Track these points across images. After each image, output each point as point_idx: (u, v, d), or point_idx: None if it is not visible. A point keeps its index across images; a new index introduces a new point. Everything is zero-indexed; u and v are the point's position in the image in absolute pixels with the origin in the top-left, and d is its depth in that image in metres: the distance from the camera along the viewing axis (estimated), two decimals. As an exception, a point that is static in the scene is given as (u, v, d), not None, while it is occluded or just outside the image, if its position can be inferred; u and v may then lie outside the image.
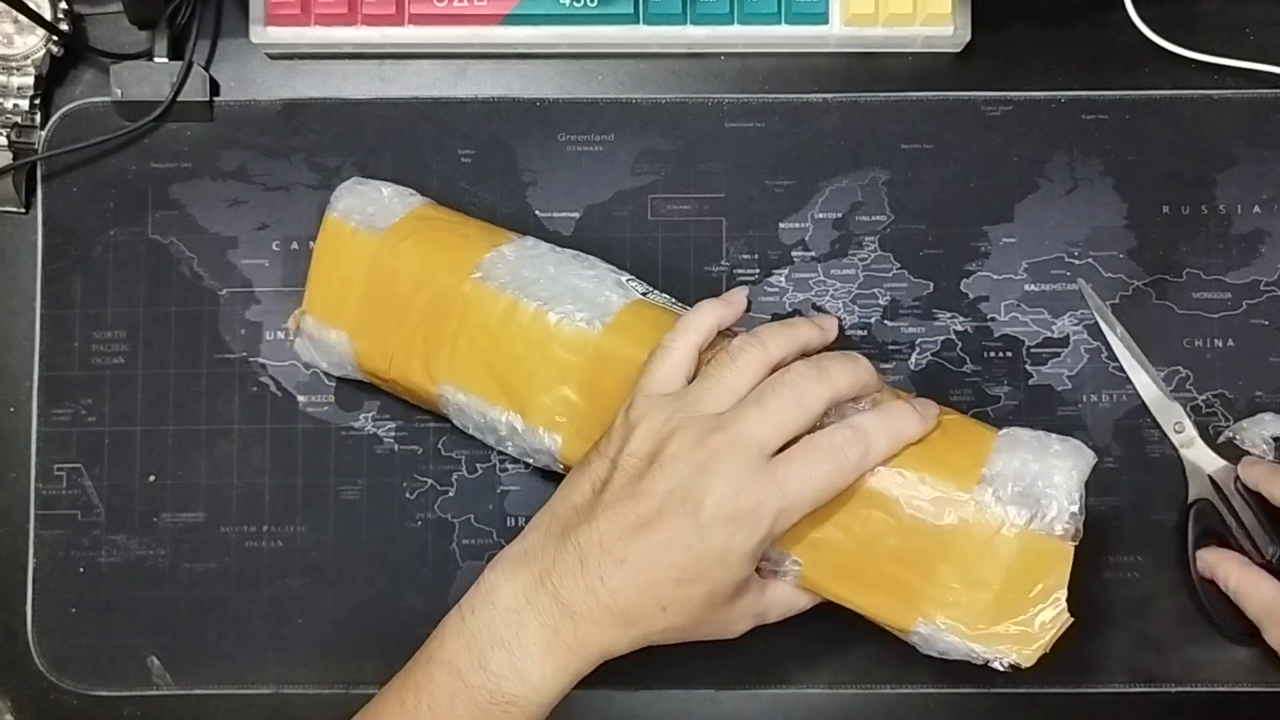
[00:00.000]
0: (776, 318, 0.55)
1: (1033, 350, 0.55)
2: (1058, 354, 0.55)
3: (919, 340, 0.55)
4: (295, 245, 0.56)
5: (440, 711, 0.42)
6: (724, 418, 0.42)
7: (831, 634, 0.54)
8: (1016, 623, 0.44)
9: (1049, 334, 0.55)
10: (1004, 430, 0.47)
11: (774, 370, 0.44)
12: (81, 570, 0.55)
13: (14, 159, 0.55)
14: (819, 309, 0.55)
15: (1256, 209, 0.56)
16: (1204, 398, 0.55)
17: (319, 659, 0.54)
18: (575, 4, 0.55)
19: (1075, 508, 0.44)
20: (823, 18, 0.55)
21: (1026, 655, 0.43)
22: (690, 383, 0.45)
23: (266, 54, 0.57)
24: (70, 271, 0.56)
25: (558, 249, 0.51)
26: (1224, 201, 0.56)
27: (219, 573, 0.55)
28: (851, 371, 0.44)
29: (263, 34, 0.56)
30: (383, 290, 0.50)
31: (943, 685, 0.54)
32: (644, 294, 0.50)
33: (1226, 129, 0.56)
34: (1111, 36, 0.56)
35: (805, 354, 0.46)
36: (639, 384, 0.45)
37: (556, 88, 0.57)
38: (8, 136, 0.55)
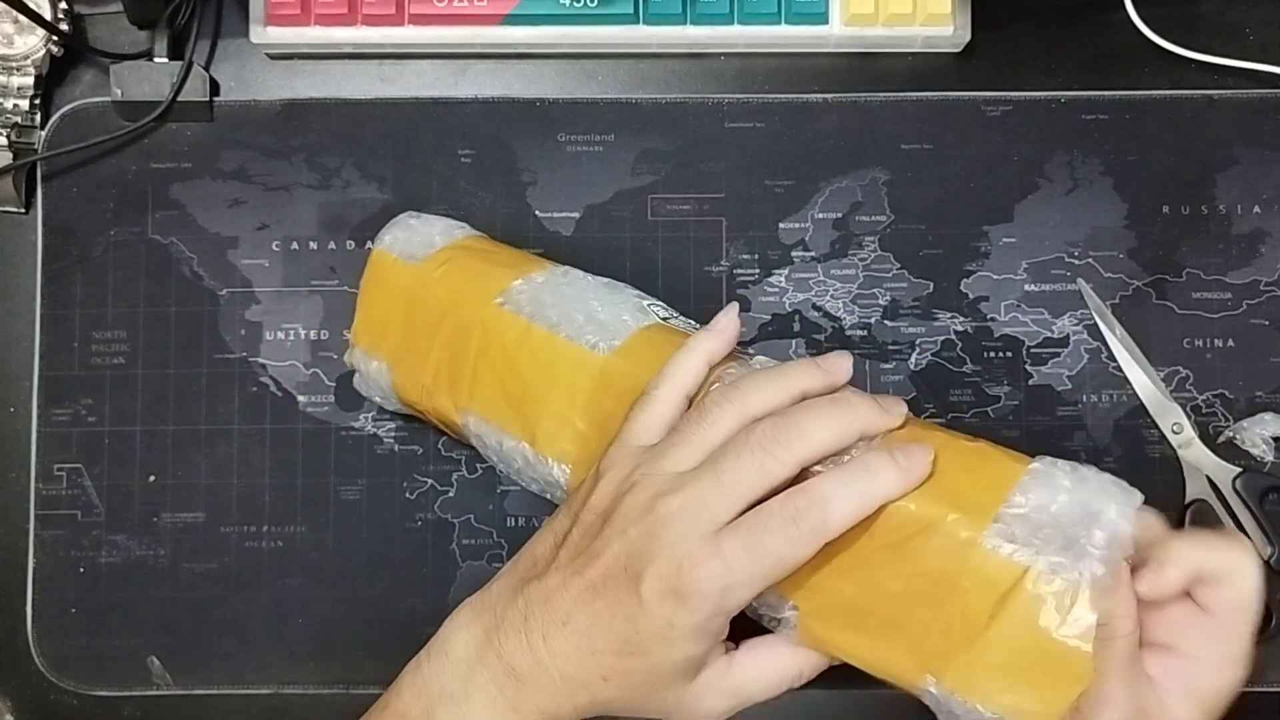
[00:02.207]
0: (776, 318, 0.55)
1: (1033, 350, 0.55)
2: (1058, 354, 0.55)
3: (919, 340, 0.55)
4: (295, 245, 0.56)
5: None
6: (681, 479, 0.38)
7: (831, 634, 0.54)
8: (1036, 692, 0.36)
9: (1049, 334, 0.55)
10: (1036, 462, 0.39)
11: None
12: (81, 570, 0.55)
13: (14, 159, 0.55)
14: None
15: (1256, 209, 0.56)
16: (1204, 398, 0.55)
17: (319, 659, 0.55)
18: (575, 4, 0.55)
19: (1103, 569, 0.36)
20: (823, 18, 0.55)
21: None
22: None
23: (266, 54, 0.57)
24: (70, 271, 0.56)
25: (590, 276, 0.49)
26: (1224, 201, 0.56)
27: (219, 573, 0.55)
28: (837, 424, 0.39)
29: (263, 34, 0.56)
30: (417, 319, 0.49)
31: (942, 685, 0.54)
32: (665, 319, 0.48)
33: (1226, 129, 0.56)
34: (1111, 36, 0.56)
35: (805, 398, 0.41)
36: (619, 432, 0.41)
37: (556, 88, 0.57)
38: (8, 136, 0.55)
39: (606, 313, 0.47)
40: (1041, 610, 0.36)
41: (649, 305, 0.49)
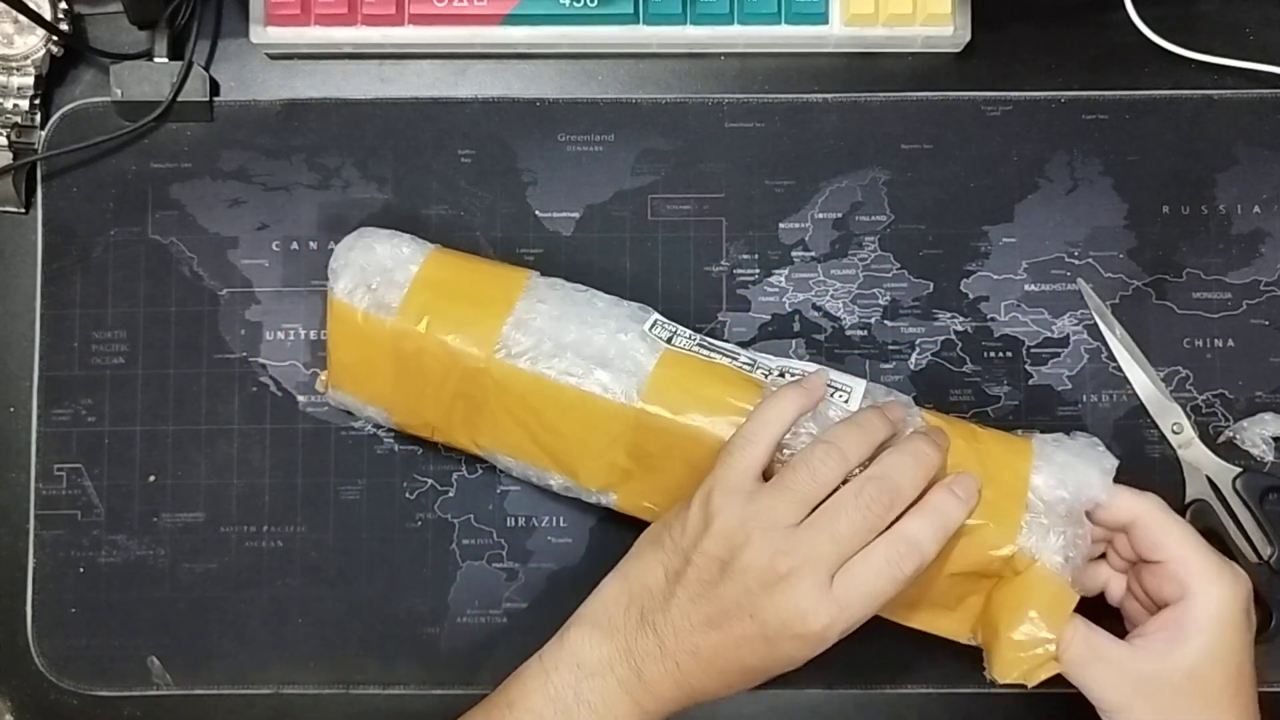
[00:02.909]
0: (777, 318, 0.55)
1: (1033, 350, 0.55)
2: (1058, 354, 0.55)
3: (919, 340, 0.55)
4: (295, 245, 0.56)
5: None
6: (796, 538, 0.43)
7: (831, 634, 0.54)
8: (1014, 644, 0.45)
9: (1049, 334, 0.55)
10: (1036, 451, 0.47)
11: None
12: (81, 570, 0.55)
13: (14, 159, 0.55)
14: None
15: (1256, 209, 0.56)
16: (1204, 398, 0.55)
17: (319, 659, 0.55)
18: (575, 4, 0.55)
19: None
20: (823, 18, 0.55)
21: (1000, 673, 0.46)
22: (766, 478, 0.45)
23: (266, 54, 0.57)
24: (70, 271, 0.56)
25: (571, 291, 0.51)
26: (1224, 201, 0.56)
27: (219, 573, 0.55)
28: (920, 478, 0.44)
29: (263, 34, 0.56)
30: (412, 371, 0.50)
31: (943, 685, 0.54)
32: (669, 339, 0.49)
33: (1226, 129, 0.56)
34: (1111, 36, 0.56)
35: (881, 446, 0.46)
36: (716, 473, 0.45)
37: (556, 88, 0.57)
38: (8, 136, 0.55)
39: (615, 348, 0.48)
40: (1032, 593, 0.45)
41: (650, 328, 0.50)
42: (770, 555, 0.43)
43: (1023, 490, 0.46)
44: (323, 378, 0.54)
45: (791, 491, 0.44)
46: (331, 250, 0.56)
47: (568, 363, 0.48)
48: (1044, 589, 0.45)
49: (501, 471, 0.54)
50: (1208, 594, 0.45)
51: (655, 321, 0.50)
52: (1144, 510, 0.46)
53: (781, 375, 0.49)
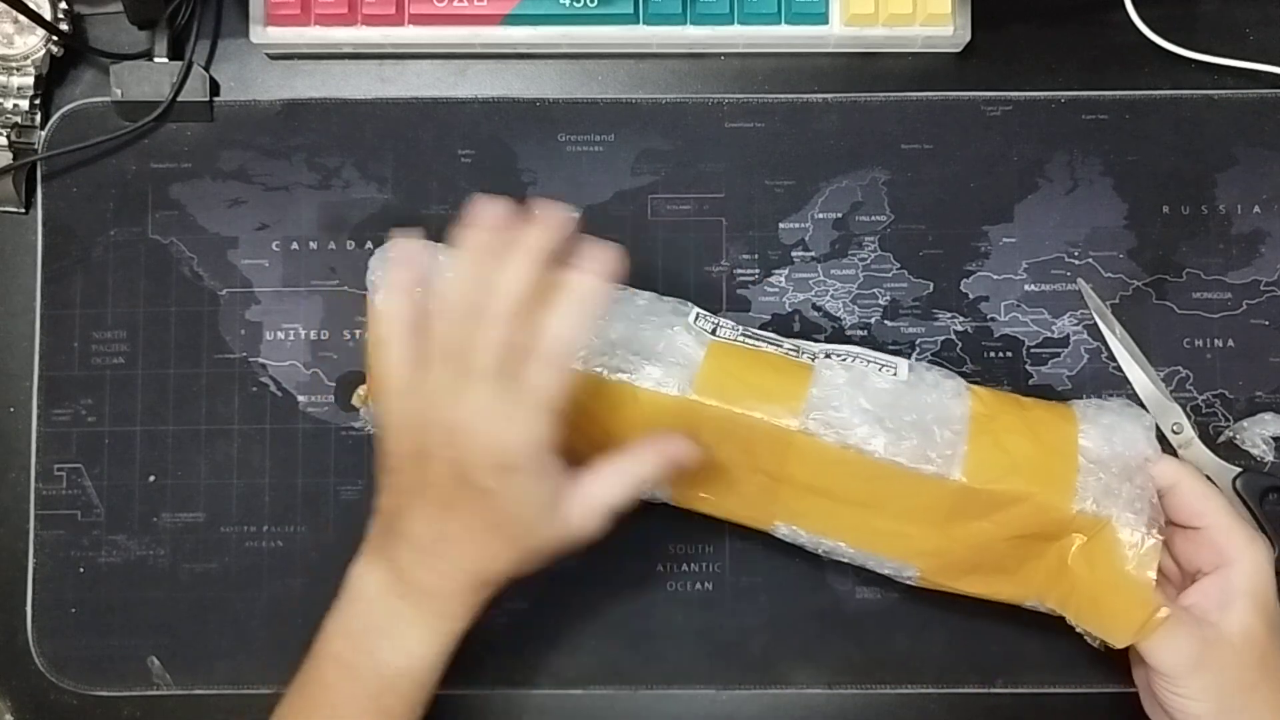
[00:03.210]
0: (777, 318, 0.55)
1: (1033, 350, 0.55)
2: (1058, 354, 0.55)
3: (919, 340, 0.55)
4: (295, 245, 0.56)
5: (337, 701, 0.46)
6: (455, 388, 0.44)
7: (831, 634, 0.54)
8: (1114, 618, 0.46)
9: (1049, 334, 0.55)
10: (1079, 417, 0.48)
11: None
12: (81, 570, 0.55)
13: (14, 159, 0.55)
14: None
15: (1256, 209, 0.56)
16: (1204, 398, 0.55)
17: (319, 659, 0.54)
18: (575, 4, 0.55)
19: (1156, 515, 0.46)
20: (823, 18, 0.55)
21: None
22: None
23: (266, 54, 0.57)
24: (70, 271, 0.56)
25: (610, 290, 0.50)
26: (1224, 201, 0.56)
27: (219, 573, 0.55)
28: (518, 269, 0.44)
29: (263, 34, 0.56)
30: None
31: (943, 685, 0.54)
32: (713, 330, 0.49)
33: (1226, 129, 0.56)
34: (1111, 36, 0.56)
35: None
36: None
37: (556, 88, 0.57)
38: (8, 136, 0.55)
39: (663, 342, 0.48)
40: (1117, 552, 0.45)
41: (694, 320, 0.50)
42: (443, 419, 0.43)
43: (1072, 452, 0.46)
44: (361, 392, 0.53)
45: (439, 359, 0.44)
46: (332, 250, 0.56)
47: (618, 359, 0.48)
48: (1127, 545, 0.45)
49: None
50: (1249, 559, 0.45)
51: (697, 314, 0.50)
52: (1185, 476, 0.47)
53: (828, 357, 0.49)
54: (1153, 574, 0.44)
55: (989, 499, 0.46)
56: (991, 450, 0.46)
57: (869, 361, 0.48)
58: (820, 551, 0.50)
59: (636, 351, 0.48)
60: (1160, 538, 0.45)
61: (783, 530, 0.50)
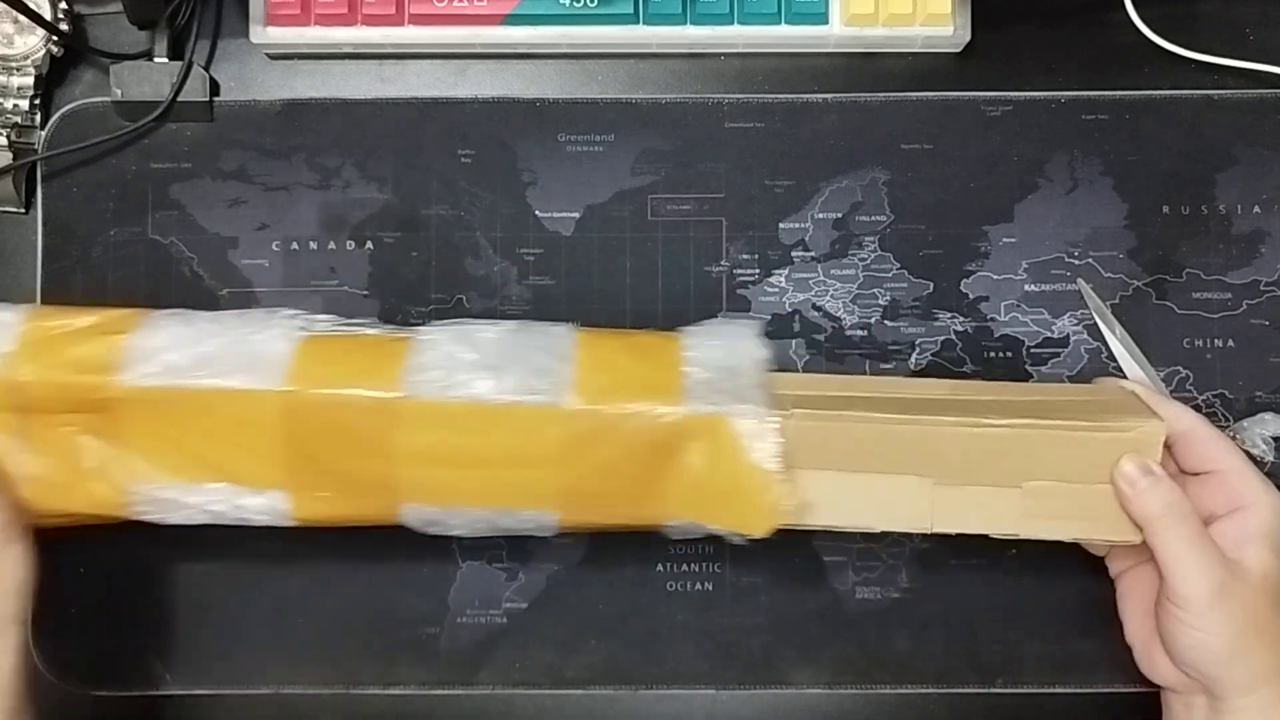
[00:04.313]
0: (777, 318, 0.55)
1: (1033, 350, 0.55)
2: (1058, 354, 0.55)
3: (919, 340, 0.55)
4: (295, 245, 0.56)
5: None
6: None
7: (831, 634, 0.54)
8: (747, 511, 0.46)
9: (1049, 334, 0.55)
10: (682, 335, 0.49)
11: None
12: (81, 570, 0.55)
13: (14, 159, 0.55)
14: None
15: (1256, 209, 0.56)
16: (1204, 398, 0.55)
17: (319, 659, 0.54)
18: (575, 4, 0.55)
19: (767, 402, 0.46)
20: (823, 18, 0.55)
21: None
22: None
23: (266, 54, 0.57)
24: (70, 271, 0.56)
25: (192, 314, 0.49)
26: (1224, 201, 0.56)
27: (219, 573, 0.55)
28: None
29: (263, 34, 0.56)
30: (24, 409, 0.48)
31: (942, 685, 0.54)
32: (306, 328, 0.48)
33: (1226, 129, 0.56)
34: (1111, 36, 0.56)
35: None
36: None
37: (556, 88, 0.57)
38: (8, 136, 0.55)
39: (253, 347, 0.47)
40: (736, 444, 0.45)
41: (287, 320, 0.49)
42: None
43: (677, 361, 0.47)
44: None
45: None
46: (332, 250, 0.56)
47: (207, 370, 0.46)
48: (744, 436, 0.45)
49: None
50: (1265, 502, 0.46)
51: (295, 314, 0.49)
52: (1198, 423, 0.48)
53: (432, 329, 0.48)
54: (771, 456, 0.45)
55: (602, 421, 0.45)
56: (598, 372, 0.46)
57: (476, 323, 0.48)
58: (459, 532, 0.48)
59: (226, 360, 0.47)
60: (777, 419, 0.45)
61: (411, 515, 0.48)
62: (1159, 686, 0.49)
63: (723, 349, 0.48)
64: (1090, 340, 0.55)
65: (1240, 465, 0.47)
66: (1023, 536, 0.47)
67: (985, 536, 0.47)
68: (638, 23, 0.55)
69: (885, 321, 0.55)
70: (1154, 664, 0.48)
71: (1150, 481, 0.45)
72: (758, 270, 0.56)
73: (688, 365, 0.47)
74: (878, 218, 0.56)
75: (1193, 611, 0.45)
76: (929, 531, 0.47)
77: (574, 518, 0.48)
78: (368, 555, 0.55)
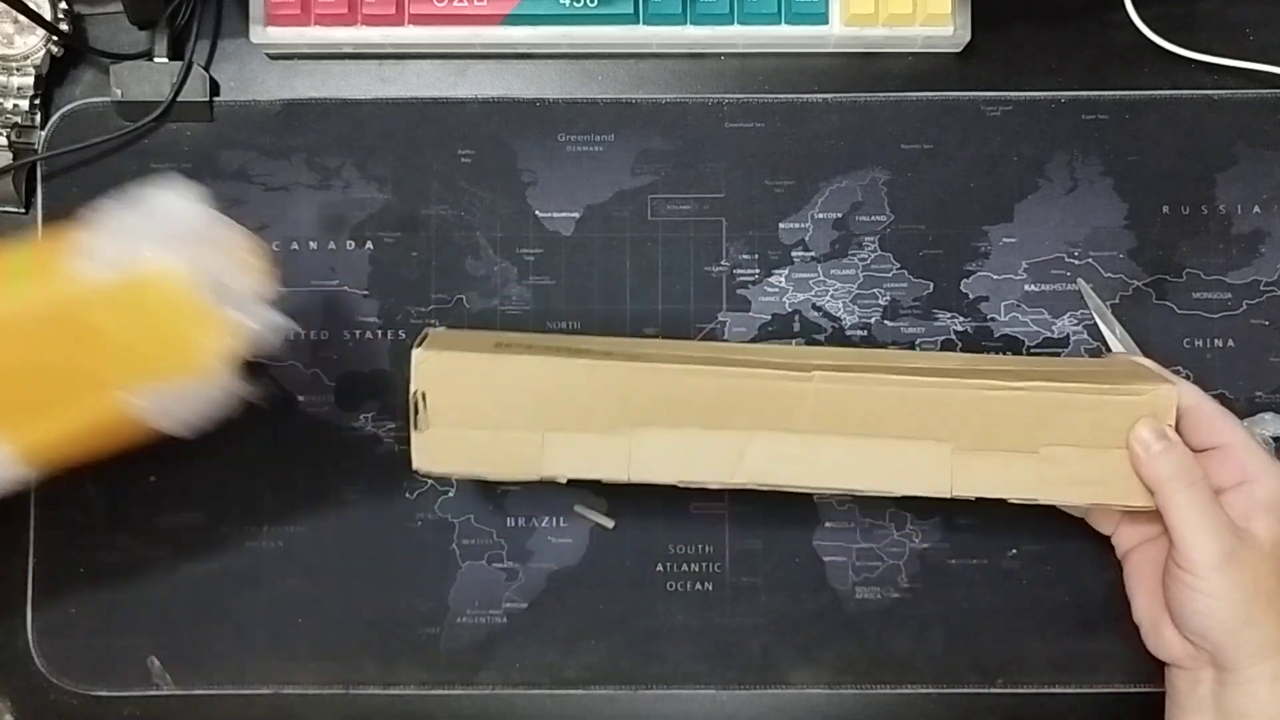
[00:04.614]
0: (777, 318, 0.55)
1: (1033, 350, 0.55)
2: (1058, 354, 0.55)
3: (919, 340, 0.55)
4: (295, 245, 0.56)
5: None
6: None
7: (831, 634, 0.54)
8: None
9: (1049, 334, 0.55)
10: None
11: None
12: (81, 570, 0.55)
13: (14, 159, 0.55)
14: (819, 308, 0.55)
15: (1256, 209, 0.56)
16: (1204, 398, 0.55)
17: (319, 659, 0.55)
18: (575, 4, 0.55)
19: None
20: (823, 18, 0.55)
21: None
22: None
23: (266, 54, 0.57)
24: (70, 271, 0.56)
25: None
26: (1224, 201, 0.56)
27: (219, 573, 0.55)
28: None
29: (263, 34, 0.56)
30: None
31: (942, 685, 0.54)
32: None
33: (1226, 129, 0.56)
34: (1111, 36, 0.56)
35: None
36: None
37: (556, 88, 0.57)
38: (8, 136, 0.55)
39: None
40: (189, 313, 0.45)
41: None
42: None
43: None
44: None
45: None
46: (332, 250, 0.56)
47: None
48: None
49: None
50: (1271, 474, 0.46)
51: None
52: (1202, 399, 0.48)
53: None
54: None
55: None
56: None
57: None
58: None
59: None
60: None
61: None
62: (1165, 663, 0.49)
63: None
64: (1090, 340, 0.55)
65: (1245, 440, 0.47)
66: (1040, 501, 0.47)
67: (1001, 502, 0.47)
68: (638, 23, 0.55)
69: (885, 321, 0.55)
70: (1162, 639, 0.48)
71: (1164, 446, 0.45)
72: (758, 270, 0.56)
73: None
74: (878, 218, 0.56)
75: (1201, 575, 0.45)
76: (948, 496, 0.47)
77: None
78: (368, 555, 0.55)
